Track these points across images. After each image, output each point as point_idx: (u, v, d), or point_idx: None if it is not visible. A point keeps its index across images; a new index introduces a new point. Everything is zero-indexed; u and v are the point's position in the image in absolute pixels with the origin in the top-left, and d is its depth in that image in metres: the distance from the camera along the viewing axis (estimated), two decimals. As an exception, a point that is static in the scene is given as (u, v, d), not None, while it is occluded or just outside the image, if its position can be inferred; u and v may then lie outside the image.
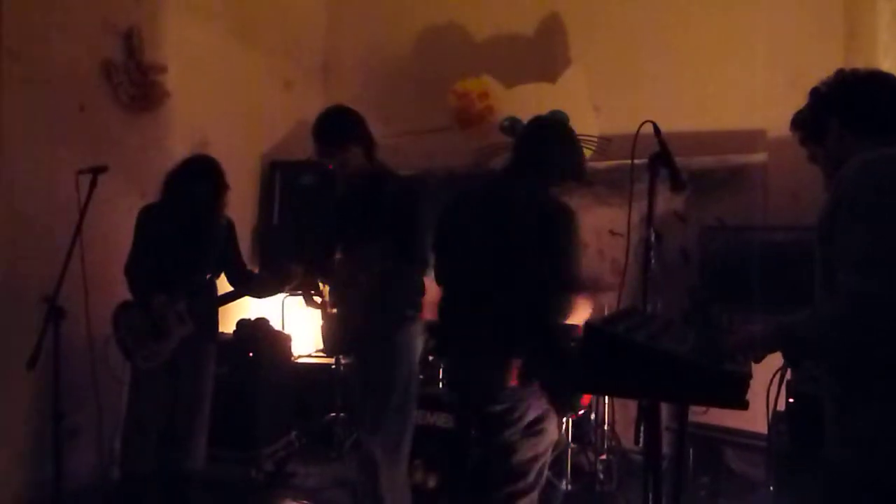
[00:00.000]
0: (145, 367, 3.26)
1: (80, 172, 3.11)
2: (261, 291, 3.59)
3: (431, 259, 3.01)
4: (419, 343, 3.20)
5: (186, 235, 3.36)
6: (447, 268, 2.93)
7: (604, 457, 4.15)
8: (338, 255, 3.20)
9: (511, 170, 2.84)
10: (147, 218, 3.41)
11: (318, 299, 3.25)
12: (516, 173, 2.80)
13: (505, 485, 2.78)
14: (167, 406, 3.32)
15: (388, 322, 3.08)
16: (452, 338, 2.91)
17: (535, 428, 2.71)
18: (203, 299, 3.41)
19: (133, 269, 3.35)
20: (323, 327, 3.29)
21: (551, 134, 2.86)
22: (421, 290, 3.18)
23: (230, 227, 3.56)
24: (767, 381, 1.99)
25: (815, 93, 1.90)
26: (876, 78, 1.86)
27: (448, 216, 2.96)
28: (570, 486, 3.92)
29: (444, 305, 2.92)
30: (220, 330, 4.49)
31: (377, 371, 3.10)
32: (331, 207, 3.42)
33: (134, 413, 3.34)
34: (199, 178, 3.37)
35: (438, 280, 3.00)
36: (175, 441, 3.34)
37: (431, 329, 4.04)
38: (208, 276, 3.49)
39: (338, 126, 3.15)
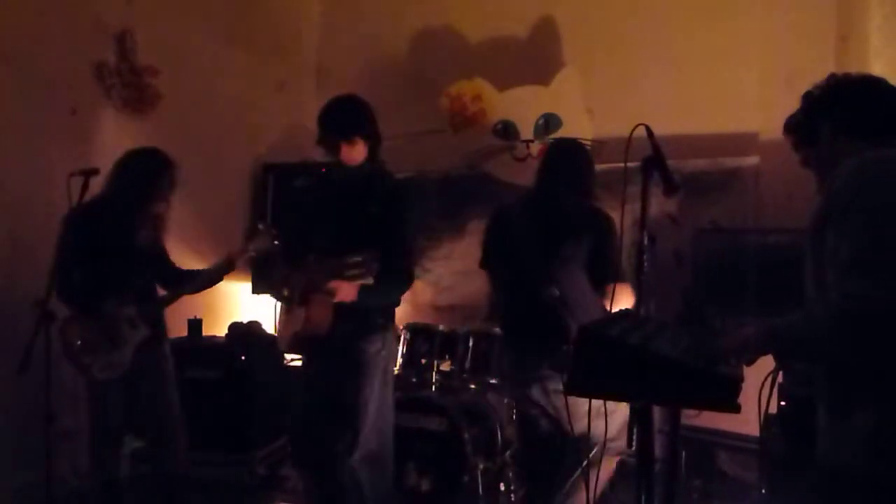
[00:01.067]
0: (105, 379, 3.11)
1: (72, 175, 3.07)
2: (200, 287, 3.42)
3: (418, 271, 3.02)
4: (391, 351, 3.11)
5: (127, 236, 3.17)
6: (509, 275, 3.20)
7: (597, 459, 4.14)
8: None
9: (555, 186, 3.17)
10: (80, 220, 3.10)
11: (286, 293, 3.06)
12: (564, 189, 3.15)
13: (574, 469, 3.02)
14: (132, 413, 3.21)
15: (359, 331, 2.93)
16: (524, 335, 3.17)
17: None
18: (150, 301, 3.26)
19: (70, 278, 3.11)
20: (280, 321, 3.14)
21: (586, 154, 3.34)
22: (396, 301, 3.09)
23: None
24: (759, 383, 1.99)
25: (808, 96, 1.91)
26: (867, 81, 1.87)
27: (501, 229, 3.25)
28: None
29: (511, 308, 3.26)
30: (213, 333, 4.50)
31: (346, 384, 2.92)
32: (320, 201, 3.15)
33: (100, 425, 3.21)
34: (141, 172, 3.19)
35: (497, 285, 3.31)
36: (152, 444, 3.29)
37: (427, 332, 4.05)
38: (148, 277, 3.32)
39: (349, 115, 2.94)
